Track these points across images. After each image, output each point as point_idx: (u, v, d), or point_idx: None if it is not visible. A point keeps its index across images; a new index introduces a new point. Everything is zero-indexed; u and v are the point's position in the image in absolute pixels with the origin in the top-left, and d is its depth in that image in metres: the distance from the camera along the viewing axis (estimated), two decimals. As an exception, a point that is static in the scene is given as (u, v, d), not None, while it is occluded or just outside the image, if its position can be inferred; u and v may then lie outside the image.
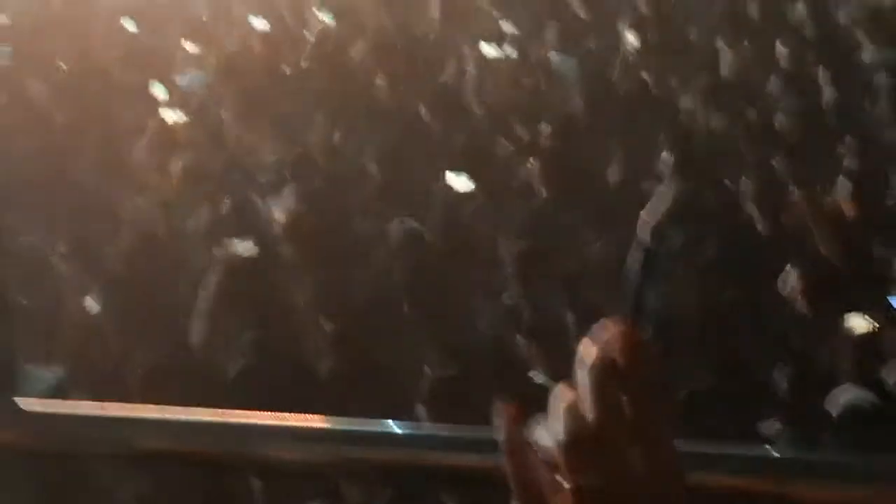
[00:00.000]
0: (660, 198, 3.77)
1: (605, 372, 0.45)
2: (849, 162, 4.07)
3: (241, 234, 4.04)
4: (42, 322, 3.91)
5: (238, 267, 3.80)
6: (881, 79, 4.73)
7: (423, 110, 5.03)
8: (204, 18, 6.48)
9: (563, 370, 0.47)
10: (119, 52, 5.68)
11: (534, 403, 0.46)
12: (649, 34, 5.32)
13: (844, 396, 2.78)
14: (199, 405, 1.10)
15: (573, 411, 0.45)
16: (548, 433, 0.45)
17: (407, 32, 5.79)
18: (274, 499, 2.79)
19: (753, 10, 5.68)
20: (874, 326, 3.07)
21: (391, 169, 4.62)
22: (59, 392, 3.35)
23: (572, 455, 0.45)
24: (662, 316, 3.54)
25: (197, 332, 3.73)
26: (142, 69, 5.39)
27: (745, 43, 5.33)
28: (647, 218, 3.69)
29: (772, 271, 3.56)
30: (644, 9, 5.73)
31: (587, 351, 0.45)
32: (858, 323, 3.11)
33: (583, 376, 0.45)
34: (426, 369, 3.26)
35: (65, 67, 5.68)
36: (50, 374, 3.56)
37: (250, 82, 5.46)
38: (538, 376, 3.22)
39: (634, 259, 3.63)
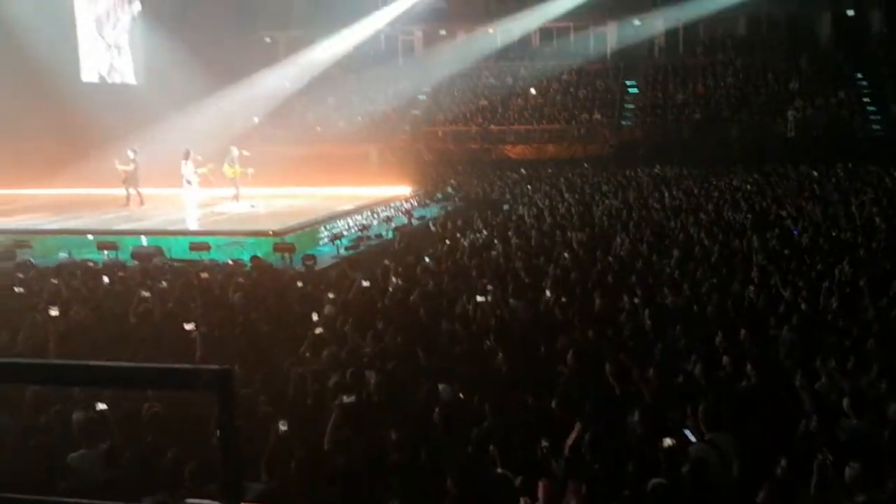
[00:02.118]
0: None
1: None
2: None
3: (349, 392, 6.87)
4: (253, 443, 5.99)
5: (347, 408, 6.52)
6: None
7: (446, 324, 9.90)
8: (333, 279, 11.87)
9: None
10: (297, 298, 10.90)
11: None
12: (560, 293, 10.34)
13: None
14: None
15: None
16: None
17: (440, 288, 10.93)
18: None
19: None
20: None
21: (430, 353, 9.33)
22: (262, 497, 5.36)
23: None
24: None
25: (327, 441, 6.34)
26: (307, 306, 10.41)
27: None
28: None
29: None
30: (556, 272, 10.87)
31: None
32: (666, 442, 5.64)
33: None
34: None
35: (271, 300, 10.76)
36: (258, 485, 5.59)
37: (357, 313, 10.39)
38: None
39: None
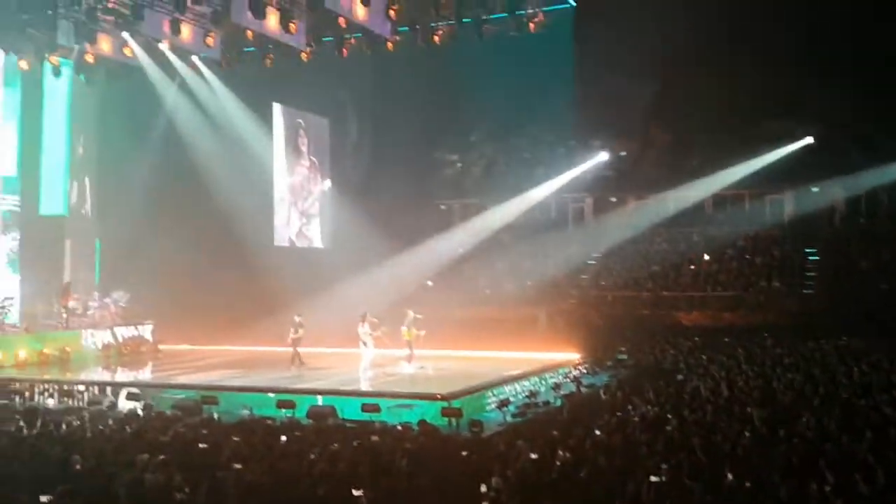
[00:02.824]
0: None
1: None
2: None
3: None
4: None
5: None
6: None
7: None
8: (500, 449, 11.78)
9: None
10: (463, 467, 10.86)
11: None
12: (741, 476, 9.72)
13: None
14: None
15: None
16: None
17: (611, 464, 10.55)
18: None
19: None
20: None
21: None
22: None
23: None
24: None
25: None
26: (473, 475, 10.32)
27: None
28: None
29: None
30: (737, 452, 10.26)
31: None
32: None
33: None
34: None
35: (438, 468, 10.76)
36: None
37: (524, 487, 10.09)
38: None
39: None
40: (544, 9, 21.82)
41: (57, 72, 24.08)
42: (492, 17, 22.01)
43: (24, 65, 23.44)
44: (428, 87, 32.66)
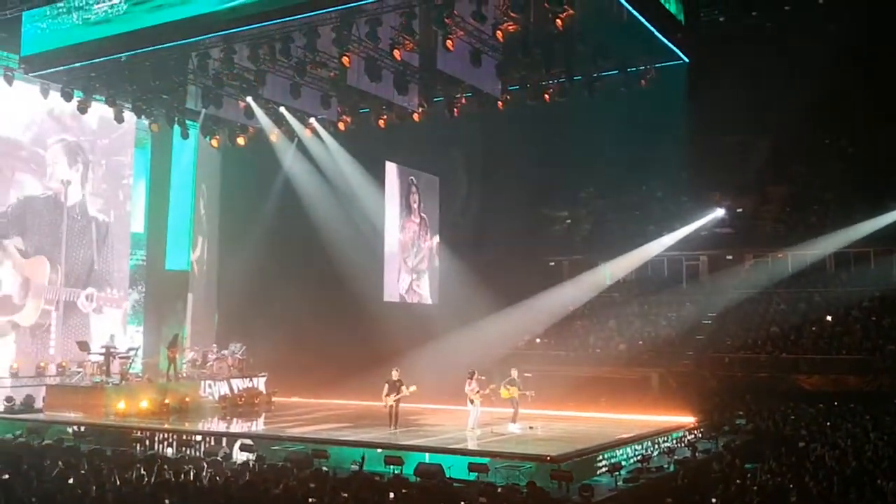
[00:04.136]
0: None
1: None
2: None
3: None
4: None
5: None
6: None
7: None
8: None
9: None
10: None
11: None
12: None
13: None
14: None
15: None
16: None
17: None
18: None
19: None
20: None
21: None
22: None
23: None
24: None
25: None
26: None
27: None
28: None
29: None
30: None
31: None
32: None
33: None
34: None
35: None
36: None
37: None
38: None
39: None
40: (656, 65, 21.62)
41: (185, 134, 25.41)
42: (602, 74, 21.93)
43: (154, 128, 24.87)
44: (537, 144, 32.76)
